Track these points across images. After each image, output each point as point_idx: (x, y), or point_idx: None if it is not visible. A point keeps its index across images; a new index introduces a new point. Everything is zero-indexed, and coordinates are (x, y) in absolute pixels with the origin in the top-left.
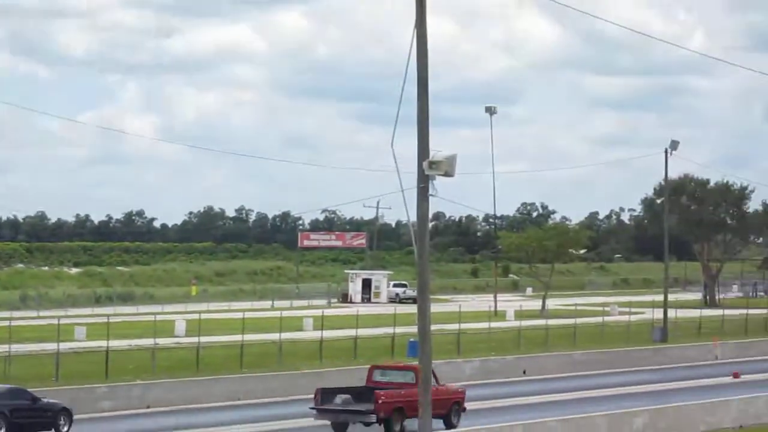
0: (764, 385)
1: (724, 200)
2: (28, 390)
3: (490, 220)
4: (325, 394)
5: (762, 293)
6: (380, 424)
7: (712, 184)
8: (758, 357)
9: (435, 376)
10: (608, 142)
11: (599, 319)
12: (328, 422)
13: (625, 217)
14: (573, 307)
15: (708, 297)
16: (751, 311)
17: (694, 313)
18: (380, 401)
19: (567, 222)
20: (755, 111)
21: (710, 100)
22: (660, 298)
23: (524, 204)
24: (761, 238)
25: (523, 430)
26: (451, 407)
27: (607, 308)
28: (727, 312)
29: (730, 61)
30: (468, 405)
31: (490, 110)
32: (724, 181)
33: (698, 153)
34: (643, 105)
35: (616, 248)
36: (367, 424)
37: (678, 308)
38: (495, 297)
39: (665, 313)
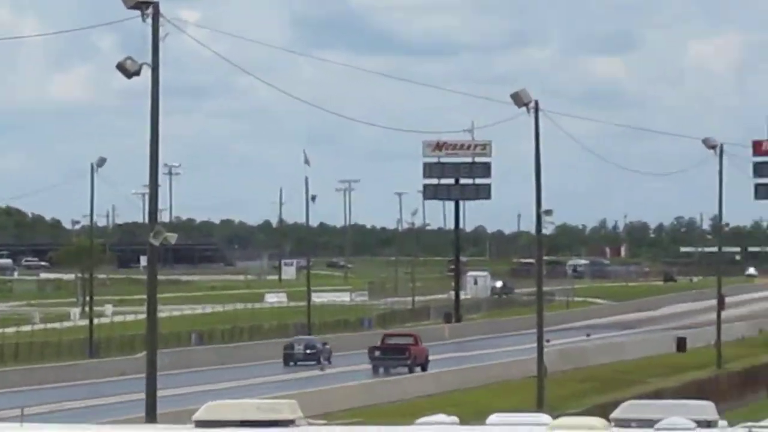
0: None
1: None
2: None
3: None
4: (370, 350)
5: None
6: (408, 366)
7: None
8: None
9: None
10: None
11: None
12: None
13: None
14: None
15: None
16: None
17: None
18: (411, 352)
19: None
20: None
21: None
22: None
23: None
24: None
25: None
26: (425, 358)
27: None
28: None
29: None
30: None
31: None
32: None
33: None
34: None
35: None
36: (403, 365)
37: None
38: None
39: None
